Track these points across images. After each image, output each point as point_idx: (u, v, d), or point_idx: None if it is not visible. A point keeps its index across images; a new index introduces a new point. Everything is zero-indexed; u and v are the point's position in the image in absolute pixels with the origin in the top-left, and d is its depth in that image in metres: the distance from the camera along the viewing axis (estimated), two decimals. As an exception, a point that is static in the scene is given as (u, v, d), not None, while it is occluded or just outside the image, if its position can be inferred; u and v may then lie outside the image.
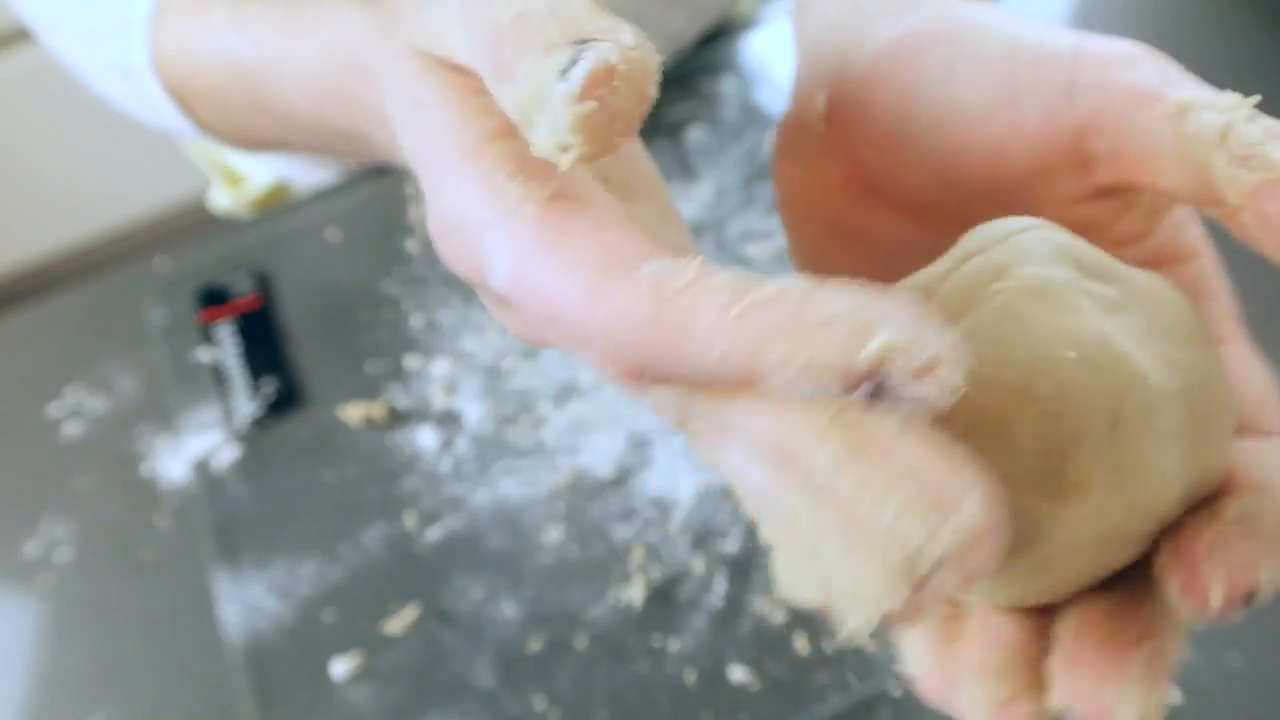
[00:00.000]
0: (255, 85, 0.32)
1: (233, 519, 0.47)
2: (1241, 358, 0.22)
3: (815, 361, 0.14)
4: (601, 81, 0.16)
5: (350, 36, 0.25)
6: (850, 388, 0.14)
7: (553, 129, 0.16)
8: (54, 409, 0.51)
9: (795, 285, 0.15)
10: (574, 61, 0.16)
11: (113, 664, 0.44)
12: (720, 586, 0.43)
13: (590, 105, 0.16)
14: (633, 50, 0.16)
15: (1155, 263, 0.23)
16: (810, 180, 0.25)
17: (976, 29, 0.22)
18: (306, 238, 0.56)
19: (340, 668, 0.42)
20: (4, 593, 0.46)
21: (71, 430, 0.50)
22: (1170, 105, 0.19)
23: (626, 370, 0.17)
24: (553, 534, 0.45)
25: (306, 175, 0.66)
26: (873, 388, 0.14)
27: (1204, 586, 0.17)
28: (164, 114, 0.40)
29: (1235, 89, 0.19)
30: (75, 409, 0.51)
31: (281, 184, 0.66)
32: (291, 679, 0.42)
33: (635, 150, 0.22)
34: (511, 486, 0.46)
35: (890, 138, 0.23)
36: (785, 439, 0.15)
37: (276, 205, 0.63)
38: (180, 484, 0.48)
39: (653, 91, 0.17)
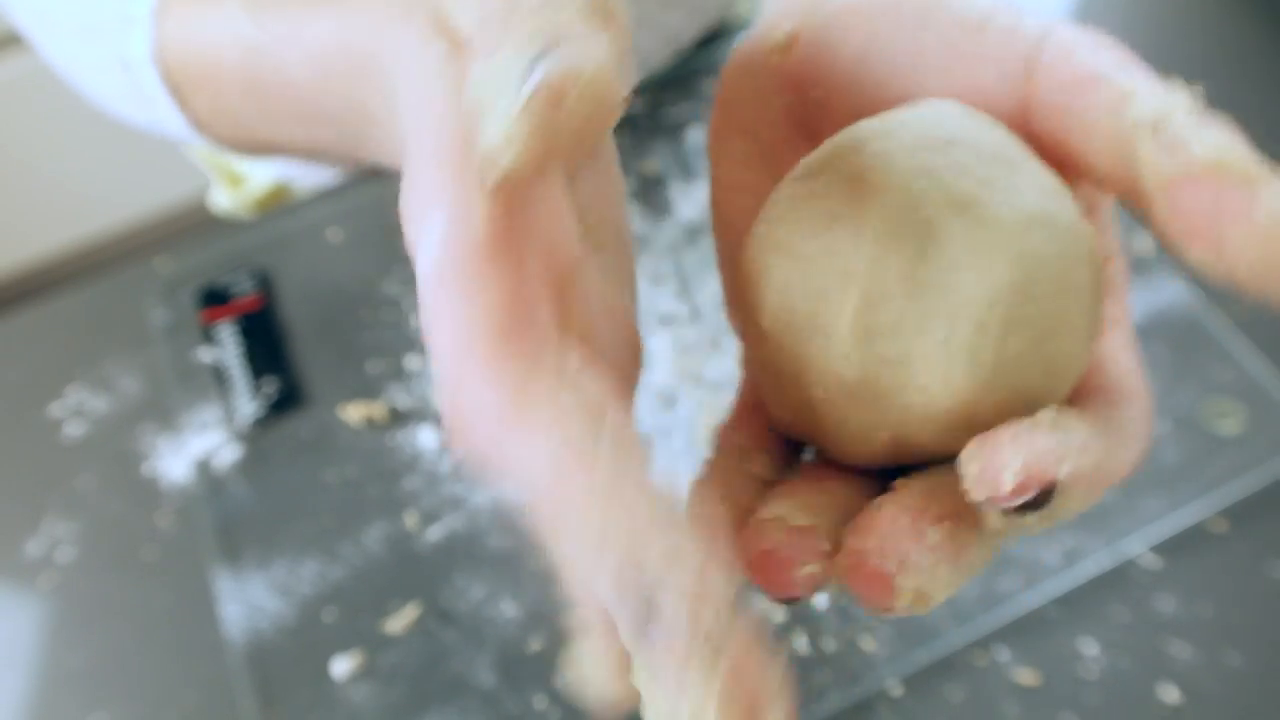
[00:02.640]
0: (258, 62, 0.31)
1: (234, 518, 0.47)
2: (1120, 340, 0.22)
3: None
4: (559, 89, 0.16)
5: (368, 11, 0.25)
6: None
7: (503, 122, 0.16)
8: (56, 409, 0.51)
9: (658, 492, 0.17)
10: (541, 57, 0.16)
11: (114, 663, 0.44)
12: (720, 586, 0.43)
13: (540, 107, 0.16)
14: (600, 69, 0.16)
15: None
16: (751, 108, 0.25)
17: None
18: (307, 238, 0.56)
19: (341, 667, 0.42)
20: (6, 592, 0.46)
21: (73, 430, 0.51)
22: (1116, 90, 0.19)
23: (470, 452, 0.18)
24: (553, 534, 0.45)
25: (307, 175, 0.66)
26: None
27: (999, 469, 0.17)
28: (159, 110, 0.40)
29: (1235, 89, 0.19)
30: (77, 409, 0.51)
31: (282, 184, 0.67)
32: (292, 678, 0.42)
33: (617, 211, 0.22)
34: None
35: (846, 79, 0.23)
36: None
37: (277, 205, 0.63)
38: (181, 483, 0.48)
39: (610, 115, 0.16)
